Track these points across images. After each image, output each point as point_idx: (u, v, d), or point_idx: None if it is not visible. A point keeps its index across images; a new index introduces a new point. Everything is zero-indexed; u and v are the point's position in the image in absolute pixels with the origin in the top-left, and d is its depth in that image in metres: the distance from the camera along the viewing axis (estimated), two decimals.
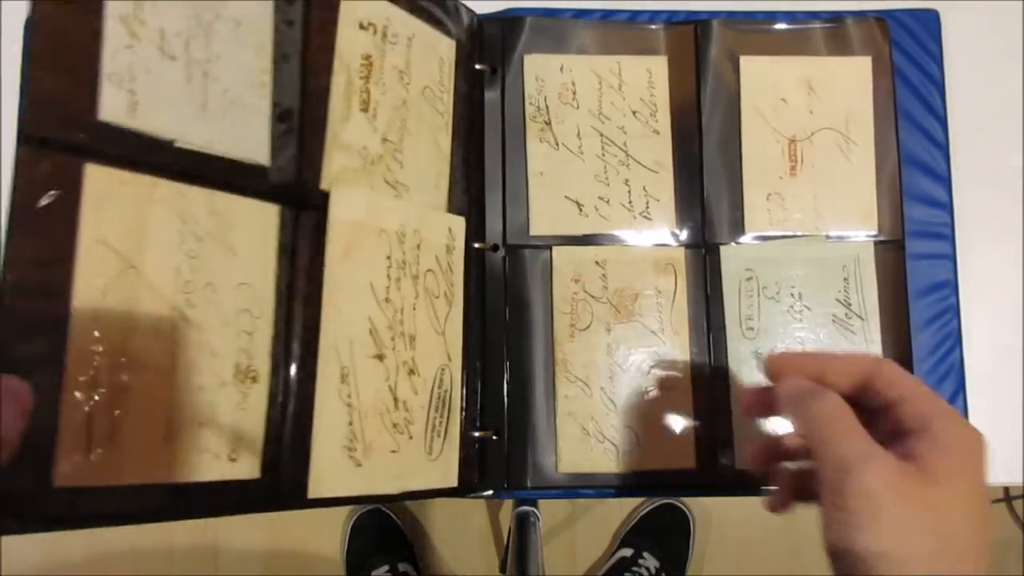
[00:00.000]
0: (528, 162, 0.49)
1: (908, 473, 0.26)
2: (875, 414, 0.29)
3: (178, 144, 0.35)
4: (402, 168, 0.43)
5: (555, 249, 0.48)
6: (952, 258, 0.50)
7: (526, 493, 0.47)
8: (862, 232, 0.49)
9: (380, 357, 0.41)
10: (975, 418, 0.49)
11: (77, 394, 0.31)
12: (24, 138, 0.30)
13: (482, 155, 0.49)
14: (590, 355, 0.48)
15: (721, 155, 0.49)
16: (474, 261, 0.48)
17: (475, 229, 0.48)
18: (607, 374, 0.47)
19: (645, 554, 1.02)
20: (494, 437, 0.47)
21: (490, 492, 0.47)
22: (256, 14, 0.38)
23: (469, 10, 0.49)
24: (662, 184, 0.49)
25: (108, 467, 0.32)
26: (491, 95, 0.49)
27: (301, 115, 0.40)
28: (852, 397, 0.29)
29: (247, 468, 0.37)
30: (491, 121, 0.49)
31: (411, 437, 0.42)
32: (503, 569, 0.91)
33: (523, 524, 0.81)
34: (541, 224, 0.49)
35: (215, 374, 0.36)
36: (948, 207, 0.50)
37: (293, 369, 0.38)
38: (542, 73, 0.50)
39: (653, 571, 1.01)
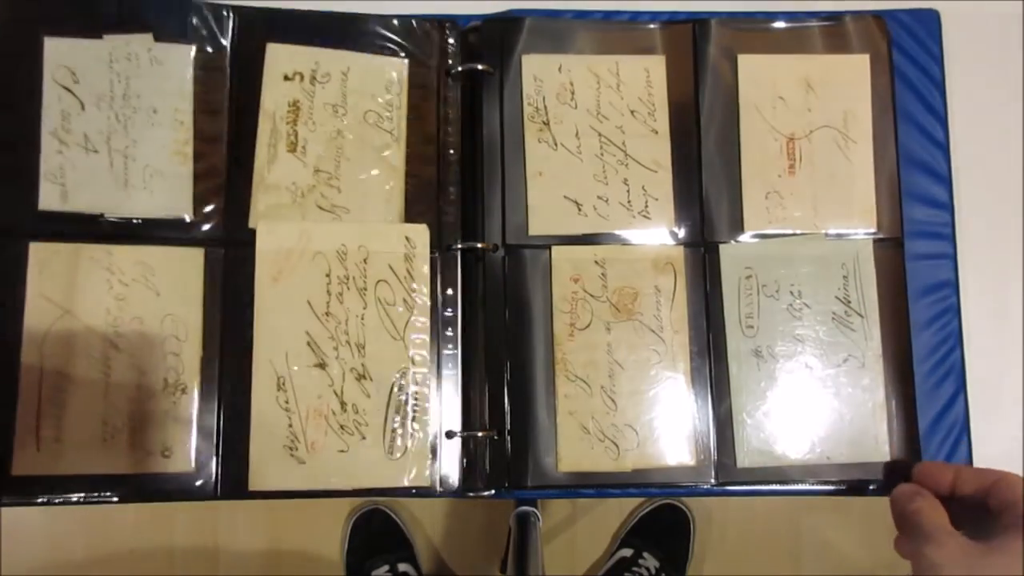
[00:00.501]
0: (527, 162, 0.49)
1: (975, 547, 0.36)
2: (992, 513, 0.39)
3: (106, 216, 0.46)
4: (340, 193, 0.48)
5: (554, 249, 0.48)
6: (952, 258, 0.50)
7: (526, 493, 0.47)
8: (861, 230, 0.49)
9: (322, 366, 0.46)
10: (975, 418, 0.49)
11: (27, 405, 0.43)
12: None
13: (480, 156, 0.49)
14: (590, 354, 0.48)
15: (720, 154, 0.49)
16: (472, 262, 0.48)
17: (472, 230, 0.48)
18: (607, 373, 0.47)
19: (645, 554, 1.02)
20: (495, 437, 0.47)
21: (491, 492, 0.47)
22: (175, 96, 0.47)
23: (431, 22, 0.49)
24: (661, 183, 0.49)
25: (54, 461, 0.44)
26: (489, 96, 0.49)
27: (227, 170, 0.47)
28: (978, 499, 0.40)
29: (180, 463, 0.45)
30: (489, 122, 0.49)
31: (364, 438, 0.46)
32: (503, 569, 0.91)
33: (523, 524, 0.81)
34: (540, 224, 0.49)
35: (144, 388, 0.45)
36: (948, 207, 0.50)
37: (226, 381, 0.46)
38: (540, 73, 0.50)
39: (653, 571, 1.01)
